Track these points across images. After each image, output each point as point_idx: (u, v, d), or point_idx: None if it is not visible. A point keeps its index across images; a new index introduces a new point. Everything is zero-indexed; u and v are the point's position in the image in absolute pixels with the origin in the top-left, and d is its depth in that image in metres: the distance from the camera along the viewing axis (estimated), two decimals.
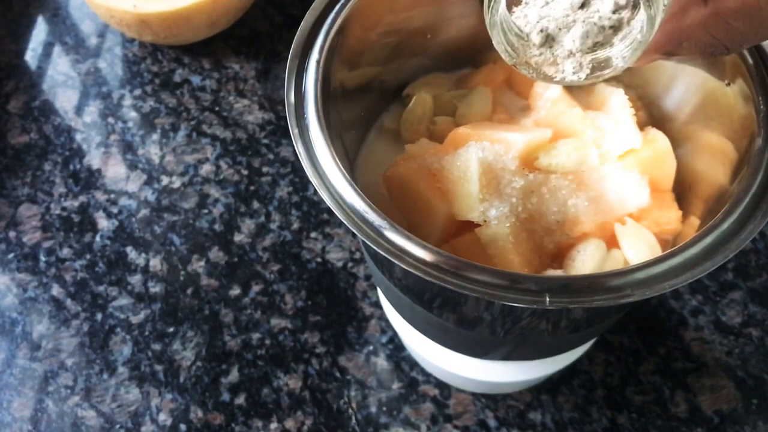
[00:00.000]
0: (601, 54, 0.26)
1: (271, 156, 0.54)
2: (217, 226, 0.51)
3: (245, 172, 0.53)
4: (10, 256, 0.50)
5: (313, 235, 0.50)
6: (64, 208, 0.52)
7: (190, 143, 0.55)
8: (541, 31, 0.26)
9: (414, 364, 0.45)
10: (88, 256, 0.50)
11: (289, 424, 0.44)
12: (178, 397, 0.45)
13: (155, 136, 0.55)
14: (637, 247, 0.31)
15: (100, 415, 0.44)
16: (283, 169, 0.53)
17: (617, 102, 0.35)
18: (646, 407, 0.44)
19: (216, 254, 0.50)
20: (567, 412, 0.44)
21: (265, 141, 0.55)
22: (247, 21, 0.61)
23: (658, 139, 0.34)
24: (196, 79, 0.58)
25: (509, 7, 0.27)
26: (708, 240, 0.26)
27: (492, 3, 0.25)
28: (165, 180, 0.53)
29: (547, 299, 0.25)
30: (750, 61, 0.30)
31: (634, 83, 0.36)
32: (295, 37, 0.31)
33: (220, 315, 0.47)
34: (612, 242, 0.32)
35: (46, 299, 0.48)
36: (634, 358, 0.45)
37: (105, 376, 0.45)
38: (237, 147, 0.54)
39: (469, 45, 0.37)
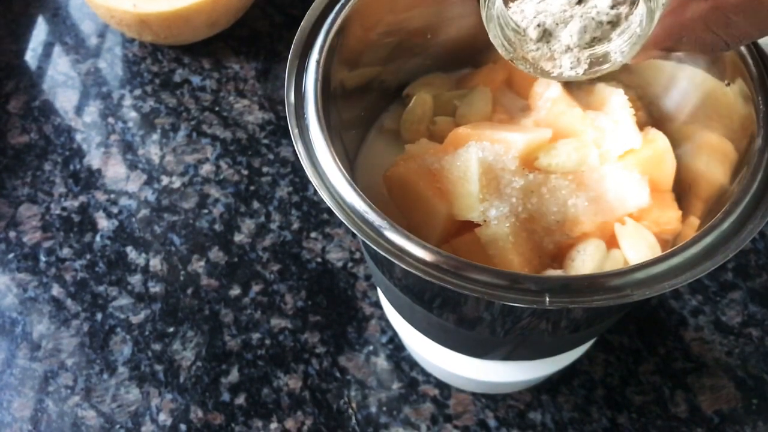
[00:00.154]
0: (599, 49, 0.26)
1: (271, 156, 0.54)
2: (217, 226, 0.51)
3: (245, 172, 0.53)
4: (10, 256, 0.50)
5: (313, 235, 0.50)
6: (64, 208, 0.52)
7: (190, 143, 0.55)
8: (538, 25, 0.26)
9: (414, 364, 0.46)
10: (88, 256, 0.50)
11: (289, 424, 0.44)
12: (178, 397, 0.45)
13: (155, 136, 0.55)
14: (637, 247, 0.31)
15: (100, 415, 0.44)
16: (283, 169, 0.53)
17: (617, 102, 0.35)
18: (646, 407, 0.44)
19: (216, 254, 0.50)
20: (567, 412, 0.44)
21: (265, 141, 0.55)
22: (247, 21, 0.61)
23: (658, 139, 0.34)
24: (196, 79, 0.58)
25: (506, 2, 0.27)
26: (708, 240, 0.26)
27: None
28: (165, 180, 0.53)
29: (547, 299, 0.25)
30: (750, 61, 0.30)
31: (634, 83, 0.36)
32: (295, 37, 0.31)
33: (220, 315, 0.47)
34: (612, 242, 0.32)
35: (46, 299, 0.48)
36: (634, 358, 0.45)
37: (105, 376, 0.45)
38: (237, 147, 0.54)
39: (469, 45, 0.37)
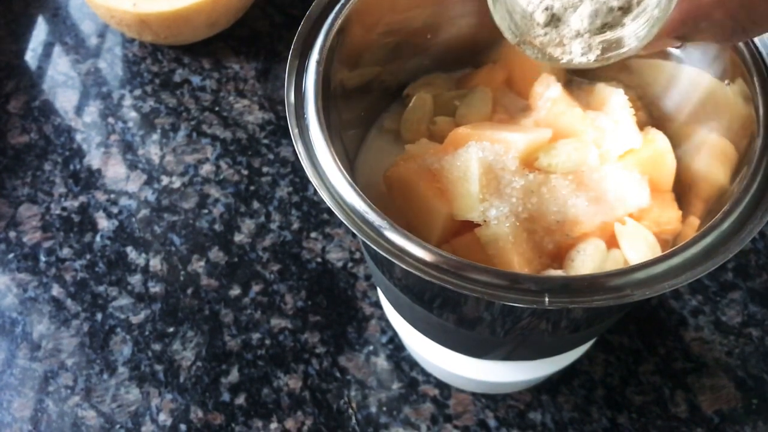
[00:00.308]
0: (612, 35, 0.25)
1: (271, 156, 0.54)
2: (217, 226, 0.51)
3: (245, 172, 0.53)
4: (10, 256, 0.50)
5: (313, 235, 0.50)
6: (64, 208, 0.52)
7: (190, 143, 0.55)
8: (546, 9, 0.25)
9: (414, 364, 0.46)
10: (88, 256, 0.50)
11: (289, 424, 0.44)
12: (178, 397, 0.45)
13: (155, 136, 0.55)
14: (637, 247, 0.31)
15: (100, 415, 0.44)
16: (283, 169, 0.53)
17: (617, 102, 0.35)
18: (646, 407, 0.44)
19: (216, 254, 0.50)
20: (567, 412, 0.44)
21: (265, 141, 0.55)
22: (247, 21, 0.61)
23: (658, 139, 0.34)
24: (196, 79, 0.58)
25: None
26: (708, 240, 0.26)
27: None
28: (165, 180, 0.53)
29: (547, 299, 0.25)
30: (750, 61, 0.30)
31: (634, 83, 0.36)
32: (295, 37, 0.31)
33: (220, 315, 0.47)
34: (612, 242, 0.32)
35: (46, 299, 0.48)
36: (634, 358, 0.45)
37: (105, 376, 0.45)
38: (237, 147, 0.54)
39: (469, 45, 0.37)
